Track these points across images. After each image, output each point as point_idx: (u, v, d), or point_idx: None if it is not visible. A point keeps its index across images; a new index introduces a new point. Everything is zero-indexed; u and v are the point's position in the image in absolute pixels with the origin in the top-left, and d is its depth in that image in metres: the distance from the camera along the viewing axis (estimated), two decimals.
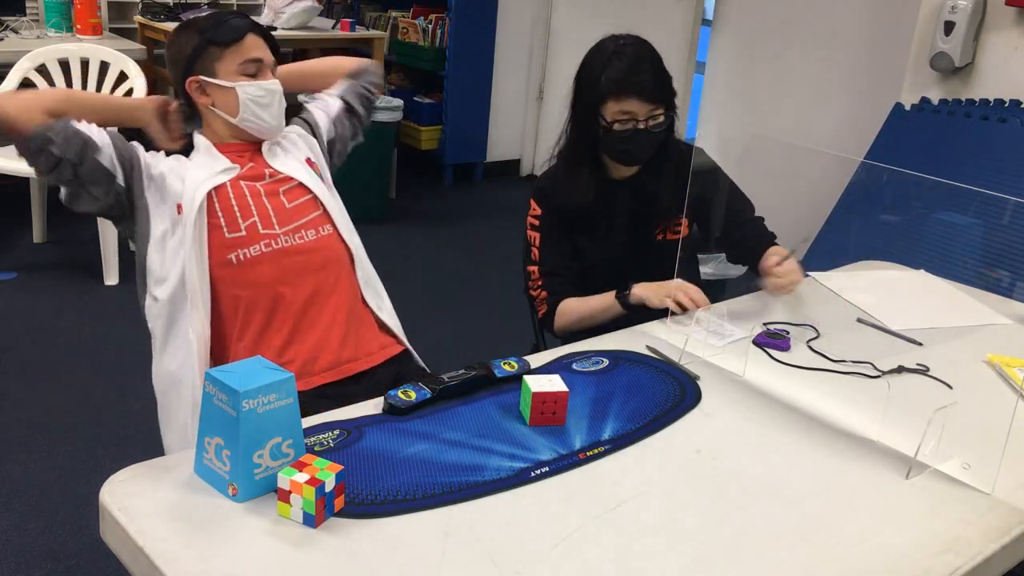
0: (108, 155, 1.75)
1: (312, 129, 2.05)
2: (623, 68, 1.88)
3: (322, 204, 1.89)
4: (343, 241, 1.90)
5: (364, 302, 1.90)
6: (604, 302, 1.94)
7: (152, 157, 1.82)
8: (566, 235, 2.02)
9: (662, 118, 1.91)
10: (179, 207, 1.77)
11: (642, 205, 2.03)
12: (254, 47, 1.83)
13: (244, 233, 1.79)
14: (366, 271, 1.93)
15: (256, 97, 1.82)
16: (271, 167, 1.88)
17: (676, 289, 1.86)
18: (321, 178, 1.95)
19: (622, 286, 1.93)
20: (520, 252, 2.06)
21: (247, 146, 1.90)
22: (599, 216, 2.01)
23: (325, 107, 2.09)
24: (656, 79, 1.90)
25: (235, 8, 5.05)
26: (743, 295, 2.07)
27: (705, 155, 2.01)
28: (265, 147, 1.90)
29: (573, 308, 2.00)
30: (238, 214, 1.79)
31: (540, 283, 2.02)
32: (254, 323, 1.78)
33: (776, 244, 2.05)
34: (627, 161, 1.98)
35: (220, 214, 1.78)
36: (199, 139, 1.89)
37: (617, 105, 1.88)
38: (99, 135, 1.76)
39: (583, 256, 2.04)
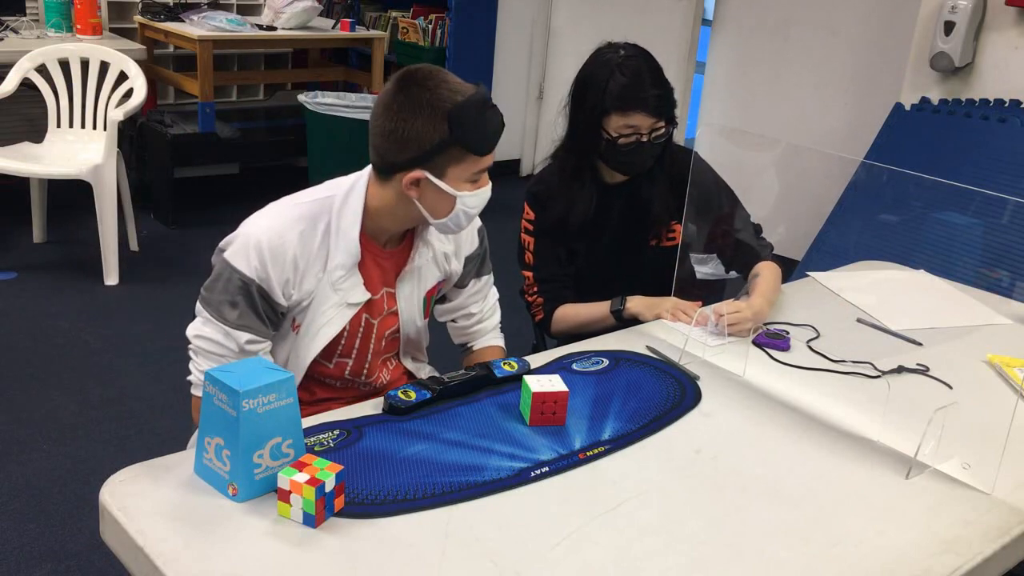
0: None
1: (472, 259, 1.77)
2: (628, 83, 1.85)
3: (400, 343, 1.72)
4: (406, 370, 1.80)
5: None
6: (600, 312, 1.95)
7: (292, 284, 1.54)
8: (561, 239, 2.02)
9: (663, 129, 1.91)
10: (295, 325, 1.59)
11: (636, 210, 2.02)
12: (492, 155, 1.54)
13: (332, 366, 1.65)
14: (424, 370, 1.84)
15: (470, 209, 1.55)
16: (395, 300, 1.65)
17: (671, 307, 1.87)
18: (427, 310, 1.73)
19: (617, 295, 1.93)
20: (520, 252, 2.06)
21: (393, 252, 1.63)
22: (593, 221, 2.01)
23: (479, 292, 1.83)
24: (660, 93, 1.88)
25: (235, 8, 5.05)
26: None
27: (701, 160, 2.01)
28: (412, 266, 1.64)
29: (569, 315, 2.00)
30: (339, 351, 1.63)
31: (535, 289, 2.03)
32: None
33: (766, 259, 2.03)
34: (628, 172, 1.98)
35: (327, 346, 1.61)
36: (353, 208, 1.54)
37: (622, 119, 1.87)
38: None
39: (577, 258, 2.04)
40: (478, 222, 1.76)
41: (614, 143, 1.89)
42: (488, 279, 1.84)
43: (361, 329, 1.63)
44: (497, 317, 1.88)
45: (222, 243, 1.55)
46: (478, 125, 1.47)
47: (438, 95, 1.46)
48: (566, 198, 1.98)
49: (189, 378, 1.58)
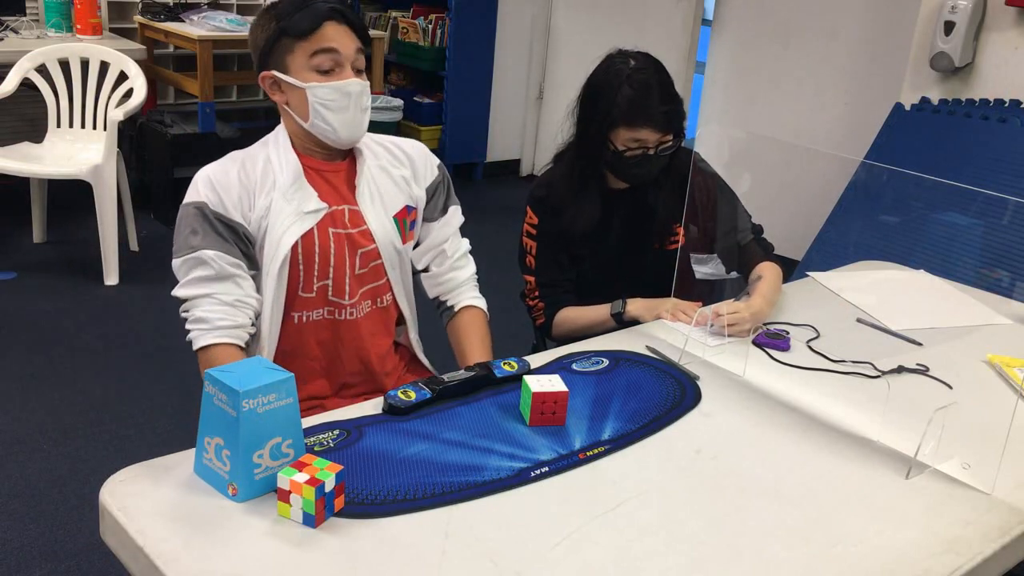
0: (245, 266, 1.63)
1: (435, 189, 1.82)
2: (635, 97, 1.84)
3: (386, 272, 1.76)
4: (398, 308, 1.81)
5: (417, 359, 1.88)
6: (600, 315, 1.94)
7: (246, 201, 1.63)
8: (564, 244, 2.00)
9: (671, 143, 1.90)
10: (262, 251, 1.65)
11: (641, 215, 2.02)
12: (330, 37, 1.59)
13: (314, 295, 1.68)
14: (418, 330, 1.86)
15: (326, 101, 1.61)
16: (361, 216, 1.69)
17: (672, 307, 1.87)
18: (404, 234, 1.77)
19: (617, 298, 1.93)
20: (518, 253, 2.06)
21: (337, 165, 1.70)
22: (598, 226, 2.00)
23: (447, 224, 1.85)
24: (668, 109, 1.86)
25: (235, 8, 5.05)
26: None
27: (703, 161, 2.00)
28: (363, 178, 1.70)
29: (570, 318, 1.99)
30: (316, 272, 1.66)
31: (537, 294, 2.02)
32: (306, 375, 1.72)
33: (768, 259, 2.03)
34: (634, 183, 1.97)
35: (301, 268, 1.64)
36: (282, 139, 1.68)
37: (629, 133, 1.86)
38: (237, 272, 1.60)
39: (580, 262, 2.03)
40: (433, 157, 1.83)
41: (621, 155, 1.88)
42: (456, 209, 1.87)
43: (332, 244, 1.67)
44: (471, 269, 1.90)
45: None
46: (299, 12, 1.59)
47: (271, 6, 1.64)
48: (573, 206, 1.97)
49: (188, 337, 1.61)
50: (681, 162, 1.98)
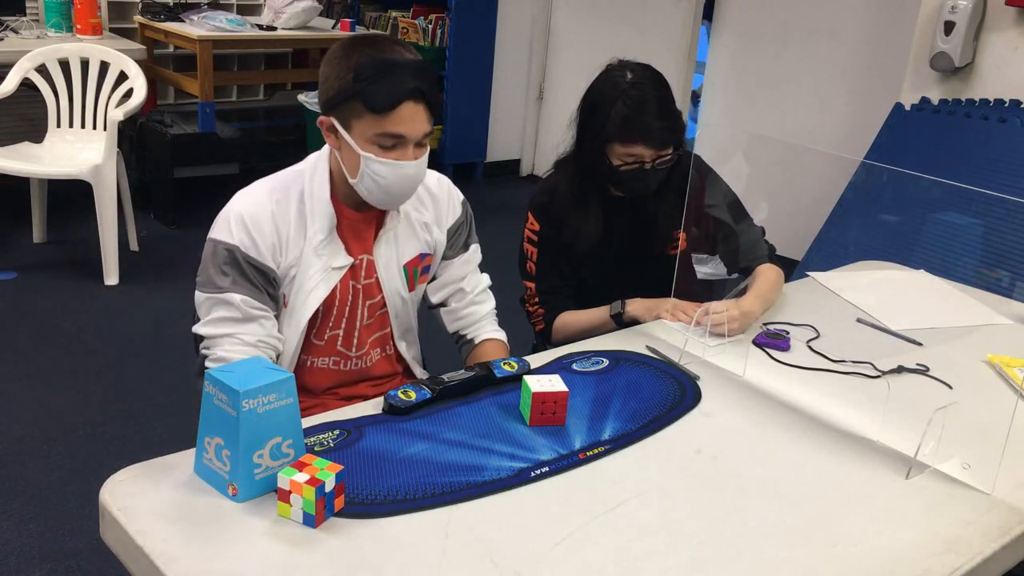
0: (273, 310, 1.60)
1: (456, 228, 1.78)
2: (630, 114, 1.82)
3: (391, 321, 1.74)
4: (400, 356, 1.80)
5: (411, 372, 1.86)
6: (600, 317, 1.93)
7: (279, 252, 1.58)
8: (564, 251, 1.99)
9: (669, 156, 1.87)
10: (284, 300, 1.62)
11: (642, 223, 2.00)
12: (403, 120, 1.51)
13: (324, 343, 1.68)
14: (417, 354, 1.85)
15: (378, 176, 1.54)
16: (375, 268, 1.67)
17: (671, 307, 1.86)
18: (412, 282, 1.73)
19: (617, 301, 1.92)
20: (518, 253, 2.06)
21: (369, 215, 1.65)
22: (600, 234, 1.99)
23: (467, 263, 1.82)
24: (664, 125, 1.83)
25: (235, 8, 5.05)
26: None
27: (702, 162, 1.99)
28: (386, 229, 1.66)
29: (570, 323, 1.99)
30: (331, 323, 1.66)
31: (537, 300, 2.01)
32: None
33: (770, 261, 2.03)
34: (632, 195, 1.95)
35: (319, 318, 1.64)
36: (319, 178, 1.60)
37: (624, 148, 1.84)
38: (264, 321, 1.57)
39: (582, 269, 2.02)
40: (457, 194, 1.78)
41: (616, 170, 1.87)
42: (475, 248, 1.83)
43: (349, 296, 1.66)
44: (491, 304, 1.86)
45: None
46: (381, 83, 1.48)
47: (362, 51, 1.52)
48: (574, 220, 1.96)
49: (205, 363, 1.56)
50: (683, 169, 1.96)
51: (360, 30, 5.05)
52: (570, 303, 2.01)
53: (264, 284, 1.56)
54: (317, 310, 1.62)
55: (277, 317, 1.61)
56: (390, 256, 1.68)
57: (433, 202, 1.73)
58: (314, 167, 1.63)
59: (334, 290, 1.62)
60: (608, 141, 1.85)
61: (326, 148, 1.63)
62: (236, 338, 1.54)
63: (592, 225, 1.96)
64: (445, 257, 1.78)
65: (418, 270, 1.74)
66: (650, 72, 1.88)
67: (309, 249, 1.59)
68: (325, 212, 1.59)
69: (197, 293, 1.57)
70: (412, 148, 1.54)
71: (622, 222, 2.00)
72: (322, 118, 1.57)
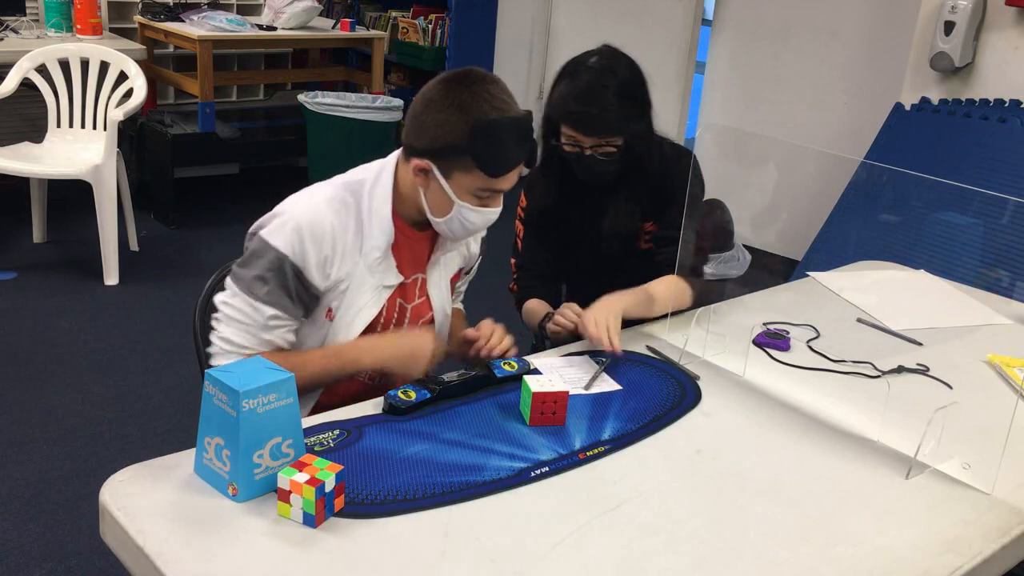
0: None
1: (481, 243, 1.82)
2: (568, 96, 1.80)
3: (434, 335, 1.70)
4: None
5: None
6: (536, 320, 1.94)
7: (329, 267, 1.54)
8: (548, 232, 2.00)
9: (613, 149, 1.82)
10: (329, 313, 1.58)
11: (620, 214, 1.96)
12: (510, 179, 1.52)
13: None
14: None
15: (467, 222, 1.55)
16: (425, 287, 1.67)
17: (562, 309, 1.81)
18: (453, 296, 1.77)
19: (603, 293, 1.83)
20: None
21: (425, 235, 1.64)
22: (577, 221, 1.98)
23: (472, 275, 1.87)
24: (597, 113, 1.78)
25: (235, 8, 5.05)
26: (743, 295, 2.07)
27: (697, 174, 1.93)
28: (445, 249, 1.67)
29: (531, 311, 1.98)
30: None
31: (515, 275, 2.04)
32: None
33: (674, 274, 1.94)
34: (584, 179, 1.90)
35: (364, 333, 1.61)
36: (382, 192, 1.56)
37: (563, 129, 1.83)
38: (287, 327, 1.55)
39: (563, 258, 2.04)
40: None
41: (562, 150, 1.85)
42: (479, 259, 1.86)
43: (395, 315, 1.64)
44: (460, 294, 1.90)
45: (256, 224, 1.56)
46: (499, 148, 1.47)
47: (475, 102, 1.47)
48: (535, 186, 1.99)
49: (209, 349, 1.55)
50: (667, 162, 1.93)
51: (360, 30, 5.04)
52: (537, 285, 2.01)
53: (302, 296, 1.53)
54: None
55: (301, 324, 1.59)
56: (441, 274, 1.69)
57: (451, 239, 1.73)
58: (376, 178, 1.58)
59: (381, 310, 1.60)
60: (554, 117, 1.84)
61: (392, 160, 1.59)
62: (249, 331, 1.51)
63: (544, 190, 1.96)
64: (467, 271, 1.82)
65: (456, 284, 1.77)
66: (616, 59, 1.84)
67: (363, 265, 1.55)
68: (384, 229, 1.55)
69: (230, 281, 1.53)
70: (500, 197, 1.56)
71: (598, 211, 1.96)
72: (418, 162, 1.50)
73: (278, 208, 1.55)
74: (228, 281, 1.54)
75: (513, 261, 2.05)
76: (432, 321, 1.70)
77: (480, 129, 1.45)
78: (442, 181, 1.50)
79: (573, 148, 1.83)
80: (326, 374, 1.56)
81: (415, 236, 1.62)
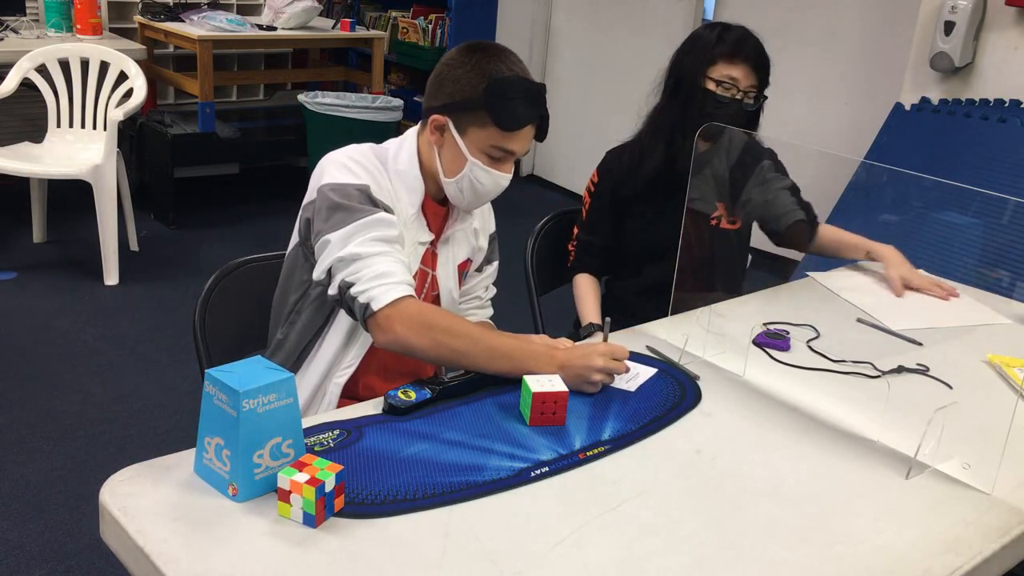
0: None
1: (492, 239, 1.84)
2: (737, 38, 2.04)
3: None
4: None
5: None
6: (584, 317, 2.10)
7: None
8: (615, 212, 2.14)
9: (754, 98, 2.03)
10: None
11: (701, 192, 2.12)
12: (521, 139, 1.58)
13: None
14: None
15: (477, 183, 1.60)
16: (437, 255, 1.70)
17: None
18: (460, 284, 1.79)
19: (670, 265, 1.89)
20: (517, 252, 2.11)
21: (439, 209, 1.69)
22: (656, 199, 2.10)
23: (488, 276, 1.88)
24: (762, 56, 2.05)
25: (235, 8, 5.05)
26: (743, 295, 2.07)
27: (756, 142, 2.13)
28: (451, 223, 1.71)
29: (579, 291, 2.14)
30: None
31: (574, 245, 2.20)
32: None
33: (807, 221, 2.19)
34: (708, 127, 2.01)
35: None
36: (408, 156, 1.63)
37: (726, 68, 2.02)
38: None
39: (631, 238, 2.14)
40: (489, 205, 1.81)
41: (711, 95, 2.01)
42: (496, 264, 1.89)
43: (417, 278, 1.66)
44: (490, 312, 1.91)
45: (308, 194, 1.58)
46: (513, 103, 1.54)
47: (493, 63, 1.56)
48: (642, 155, 2.10)
49: (367, 296, 1.47)
50: (737, 145, 2.13)
51: (360, 30, 5.05)
52: (595, 264, 2.17)
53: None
54: None
55: None
56: (448, 255, 1.73)
57: (480, 209, 1.78)
58: (400, 146, 1.65)
59: (418, 268, 1.65)
60: (713, 62, 2.02)
61: (411, 134, 1.66)
62: (391, 256, 1.49)
63: (651, 164, 2.08)
64: (477, 269, 1.84)
65: (464, 274, 1.79)
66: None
67: (401, 222, 1.58)
68: (415, 188, 1.62)
69: (336, 232, 1.49)
70: (512, 163, 1.62)
71: (680, 190, 1.97)
72: (436, 116, 1.58)
73: (323, 162, 1.58)
74: (332, 235, 1.49)
75: (576, 231, 2.20)
76: (438, 301, 1.73)
77: (495, 85, 1.53)
78: (456, 137, 1.57)
79: (728, 91, 2.02)
80: (507, 358, 1.50)
81: (432, 208, 1.68)
